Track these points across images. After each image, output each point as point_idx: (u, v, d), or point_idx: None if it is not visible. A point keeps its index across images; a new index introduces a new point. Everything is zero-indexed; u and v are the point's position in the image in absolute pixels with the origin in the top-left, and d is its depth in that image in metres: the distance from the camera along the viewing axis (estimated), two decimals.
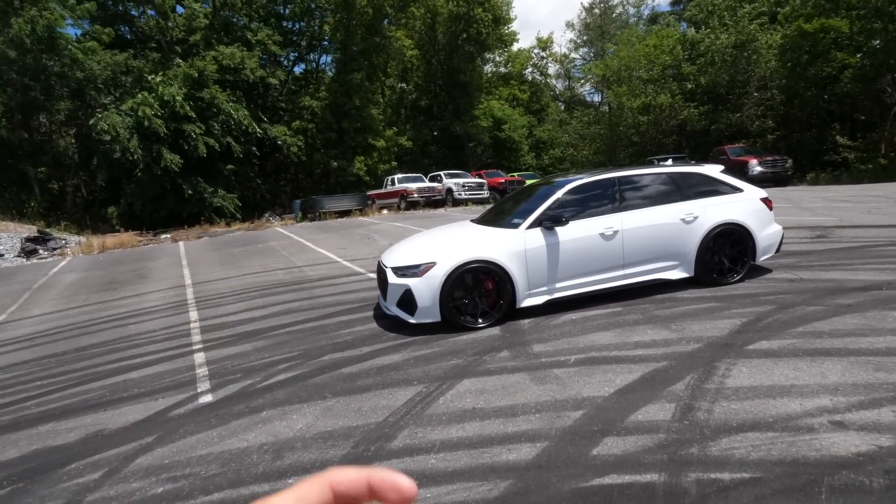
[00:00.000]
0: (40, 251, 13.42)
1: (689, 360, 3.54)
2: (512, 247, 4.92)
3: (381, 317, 5.32)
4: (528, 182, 25.00)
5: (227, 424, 3.28)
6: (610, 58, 32.86)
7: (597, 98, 44.38)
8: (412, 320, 4.72)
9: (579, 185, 5.42)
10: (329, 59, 34.93)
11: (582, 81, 46.23)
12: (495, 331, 4.65)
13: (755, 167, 19.26)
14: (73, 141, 22.23)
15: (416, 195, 21.98)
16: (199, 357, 4.64)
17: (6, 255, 12.89)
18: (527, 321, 4.84)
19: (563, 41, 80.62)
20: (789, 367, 3.26)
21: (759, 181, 18.48)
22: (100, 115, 19.96)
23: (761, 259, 5.68)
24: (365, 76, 29.34)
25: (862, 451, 2.29)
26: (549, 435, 2.72)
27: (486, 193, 22.81)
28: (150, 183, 21.33)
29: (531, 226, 5.05)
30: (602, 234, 5.16)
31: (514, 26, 40.08)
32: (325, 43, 33.39)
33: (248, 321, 5.71)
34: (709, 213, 5.48)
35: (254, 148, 25.24)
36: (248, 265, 9.49)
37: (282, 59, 32.99)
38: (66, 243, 14.78)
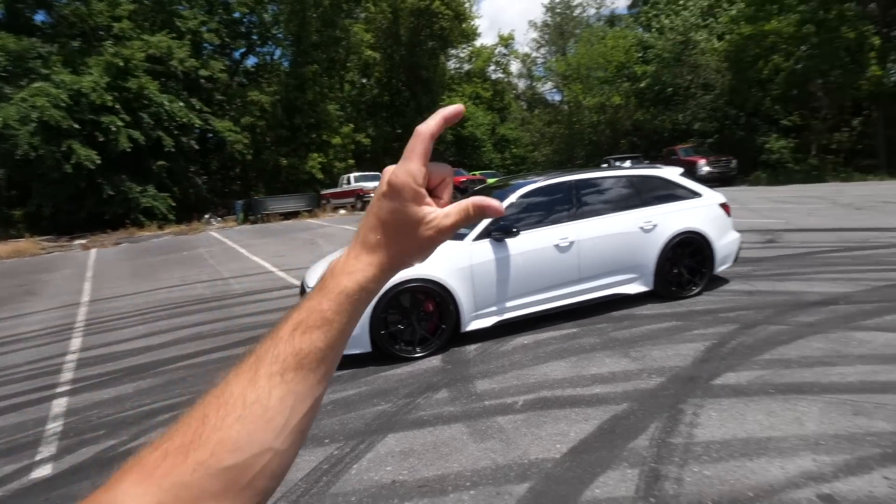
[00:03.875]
0: None
1: (652, 400, 3.06)
2: (456, 262, 4.33)
3: None
4: (490, 181, 24.76)
5: None
6: (570, 56, 33.03)
7: (557, 97, 44.65)
8: None
9: (533, 189, 4.90)
10: (281, 52, 33.44)
11: (543, 80, 46.40)
12: (436, 361, 4.05)
13: (703, 167, 19.64)
14: None
15: (372, 195, 21.20)
16: (60, 404, 3.76)
17: None
18: (472, 347, 4.27)
19: (525, 40, 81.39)
20: (762, 410, 2.82)
21: (706, 181, 18.83)
22: None
23: (720, 269, 5.35)
24: (321, 70, 28.07)
25: None
26: None
27: None
28: (61, 182, 19.01)
29: (479, 237, 4.47)
30: (557, 246, 4.66)
31: (483, 25, 39.92)
32: (279, 35, 31.85)
33: (140, 351, 4.84)
34: (668, 220, 5.09)
35: (192, 142, 23.49)
36: (166, 277, 8.47)
37: (230, 52, 31.18)
38: None
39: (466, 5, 34.49)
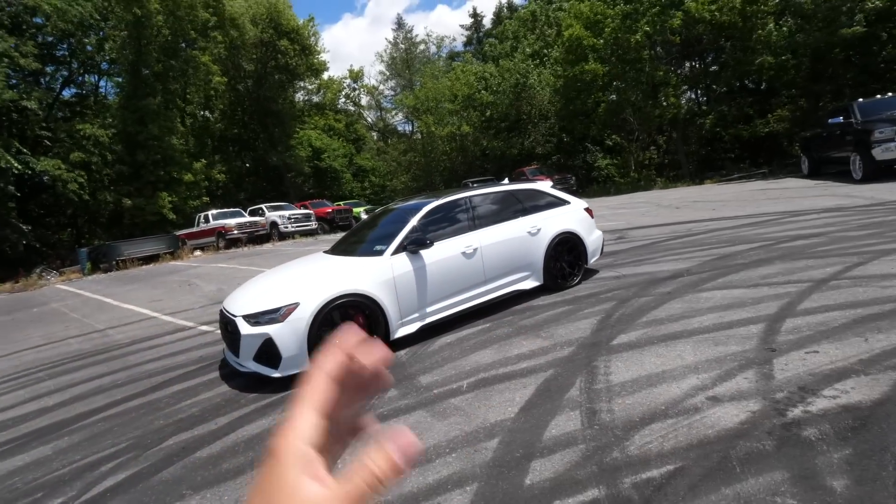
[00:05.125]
0: None
1: (570, 364, 3.69)
2: (380, 275, 4.62)
3: (231, 376, 4.45)
4: (356, 210, 24.93)
5: None
6: (418, 89, 35.05)
7: (409, 128, 46.67)
8: (276, 374, 4.04)
9: (436, 206, 5.40)
10: (109, 82, 30.06)
11: (394, 112, 48.18)
12: None
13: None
14: None
15: (236, 232, 20.03)
16: None
17: None
18: (403, 352, 4.56)
19: (372, 72, 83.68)
20: (653, 354, 3.62)
21: None
22: None
23: (591, 261, 6.40)
24: (162, 102, 25.82)
25: (743, 420, 2.58)
26: (474, 475, 2.48)
27: (314, 224, 21.93)
28: None
29: (396, 251, 4.82)
30: (464, 253, 5.20)
31: (325, 57, 40.10)
32: (105, 66, 28.63)
33: (36, 414, 4.22)
34: (549, 224, 5.97)
35: (10, 188, 19.91)
36: (22, 338, 7.23)
37: (44, 81, 27.13)
38: None
39: (312, 40, 34.69)
